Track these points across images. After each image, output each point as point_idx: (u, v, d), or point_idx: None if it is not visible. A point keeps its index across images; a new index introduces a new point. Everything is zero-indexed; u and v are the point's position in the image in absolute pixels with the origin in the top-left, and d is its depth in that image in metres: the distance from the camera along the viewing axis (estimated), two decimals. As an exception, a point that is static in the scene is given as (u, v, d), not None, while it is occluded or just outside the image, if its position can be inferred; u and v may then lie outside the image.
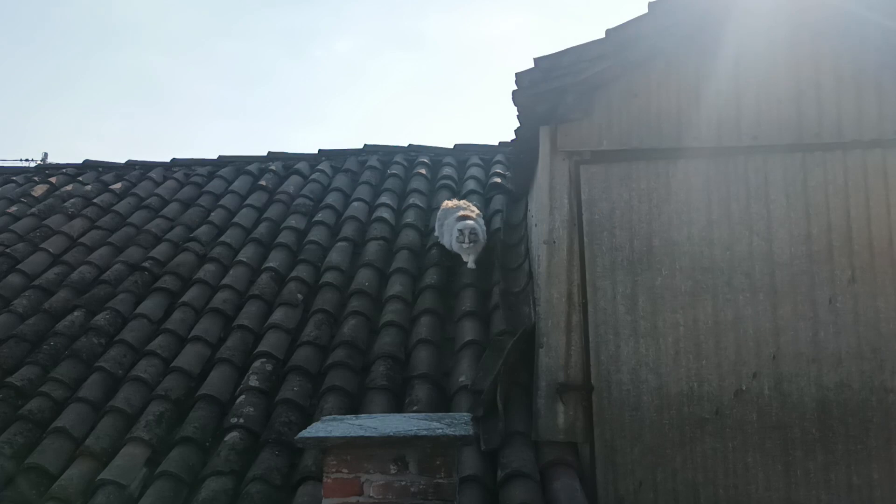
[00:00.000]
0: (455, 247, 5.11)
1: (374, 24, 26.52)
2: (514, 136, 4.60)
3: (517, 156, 4.96)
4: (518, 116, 4.15)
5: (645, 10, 3.84)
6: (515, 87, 3.89)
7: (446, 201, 5.51)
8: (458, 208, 5.27)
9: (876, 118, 3.82)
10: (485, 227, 5.26)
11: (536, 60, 3.84)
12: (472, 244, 5.01)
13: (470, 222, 5.06)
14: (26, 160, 8.88)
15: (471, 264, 5.15)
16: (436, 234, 5.47)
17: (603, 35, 3.85)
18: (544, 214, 3.96)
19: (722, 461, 3.66)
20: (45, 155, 9.12)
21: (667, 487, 3.65)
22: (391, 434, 2.77)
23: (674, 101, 3.93)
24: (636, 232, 3.88)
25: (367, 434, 2.78)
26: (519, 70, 3.89)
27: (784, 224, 3.82)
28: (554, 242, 3.91)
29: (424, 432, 2.79)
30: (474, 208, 5.35)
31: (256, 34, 26.01)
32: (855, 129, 3.83)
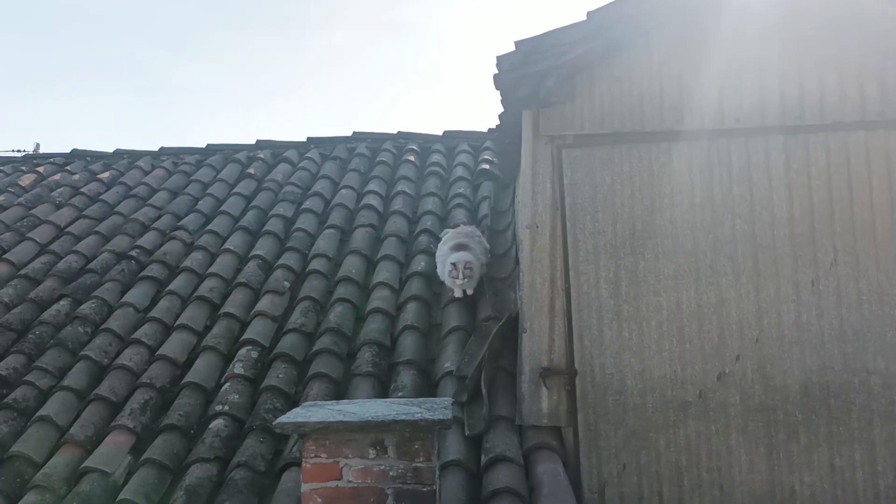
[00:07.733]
0: (448, 282, 4.61)
1: (371, 13, 26.46)
2: (498, 122, 4.59)
3: (502, 141, 4.94)
4: (501, 101, 4.14)
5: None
6: (497, 71, 3.86)
7: (447, 230, 5.03)
8: (455, 234, 4.76)
9: (858, 100, 3.80)
10: (488, 246, 4.83)
11: (517, 43, 3.80)
12: (465, 280, 4.50)
13: (464, 254, 4.54)
14: (19, 151, 8.86)
15: (458, 293, 4.61)
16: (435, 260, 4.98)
17: (584, 17, 3.83)
18: (527, 199, 3.95)
19: (705, 444, 3.67)
20: (38, 146, 9.10)
21: (650, 470, 3.66)
22: (369, 419, 2.77)
23: (656, 83, 3.90)
24: (619, 216, 3.87)
25: (346, 419, 2.79)
26: (501, 53, 3.87)
27: (766, 207, 3.80)
28: (537, 227, 3.89)
29: (403, 417, 2.79)
30: (472, 231, 4.85)
31: (251, 24, 25.92)
32: (837, 111, 3.80)
